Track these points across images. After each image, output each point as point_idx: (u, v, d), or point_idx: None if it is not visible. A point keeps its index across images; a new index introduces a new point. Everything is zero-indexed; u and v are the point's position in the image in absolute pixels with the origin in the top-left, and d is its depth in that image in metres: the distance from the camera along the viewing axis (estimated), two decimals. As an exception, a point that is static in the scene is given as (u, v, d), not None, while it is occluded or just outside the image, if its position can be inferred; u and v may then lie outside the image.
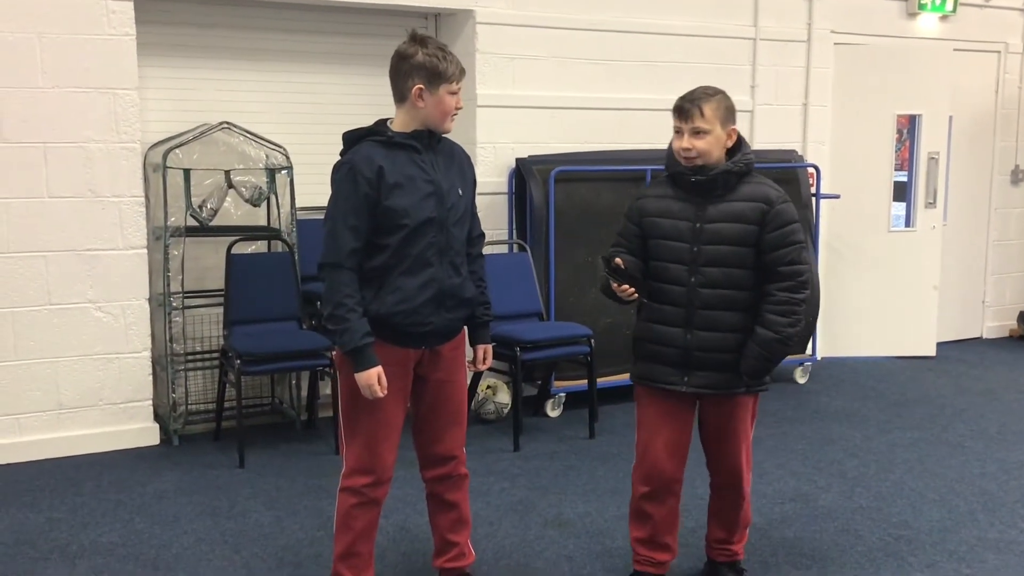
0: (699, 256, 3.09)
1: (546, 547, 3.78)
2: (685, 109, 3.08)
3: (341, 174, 2.96)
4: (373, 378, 2.93)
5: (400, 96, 3.00)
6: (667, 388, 3.18)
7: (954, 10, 7.06)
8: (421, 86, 2.95)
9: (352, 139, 3.03)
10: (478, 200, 5.77)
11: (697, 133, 3.06)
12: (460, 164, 3.14)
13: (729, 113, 3.11)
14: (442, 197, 3.00)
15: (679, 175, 3.15)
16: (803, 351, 6.45)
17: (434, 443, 3.19)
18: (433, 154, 3.04)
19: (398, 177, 2.94)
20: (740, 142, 3.15)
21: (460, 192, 3.07)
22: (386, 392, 2.96)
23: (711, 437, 3.27)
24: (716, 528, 3.42)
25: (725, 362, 3.11)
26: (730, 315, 3.09)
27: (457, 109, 3.04)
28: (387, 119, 3.06)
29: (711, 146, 3.08)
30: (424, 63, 2.93)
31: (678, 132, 3.11)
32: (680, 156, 3.11)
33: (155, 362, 5.03)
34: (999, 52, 7.48)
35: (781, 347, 3.07)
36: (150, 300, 4.95)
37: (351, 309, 2.93)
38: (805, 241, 3.12)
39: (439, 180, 3.01)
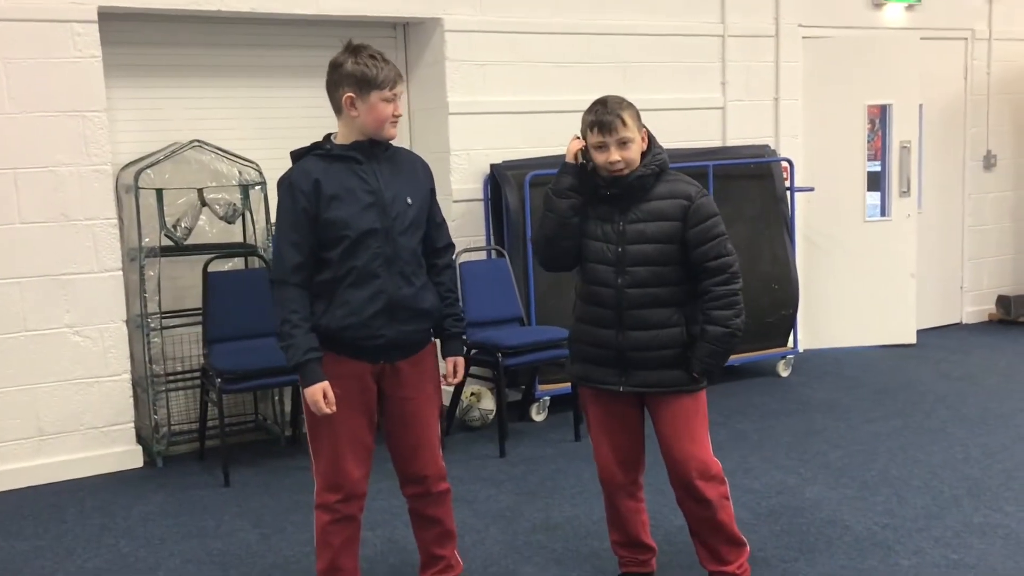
0: (624, 257, 3.06)
1: (534, 552, 3.78)
2: (607, 122, 3.01)
3: (281, 190, 2.98)
4: (318, 394, 2.91)
5: (336, 107, 3.00)
6: (605, 389, 3.17)
7: (920, -1, 7.13)
8: (351, 95, 2.93)
9: (297, 155, 3.04)
10: (454, 208, 5.77)
11: (623, 144, 3.01)
12: (412, 172, 3.10)
13: (640, 116, 3.08)
14: (384, 207, 2.97)
15: (595, 187, 3.11)
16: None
17: (405, 461, 3.17)
18: (377, 164, 3.01)
19: (336, 189, 2.93)
20: (651, 143, 3.12)
21: (409, 201, 3.03)
22: (334, 408, 2.93)
23: (659, 439, 3.18)
24: (697, 547, 3.29)
25: (659, 359, 3.08)
26: (659, 312, 3.07)
27: (396, 116, 2.99)
28: (333, 133, 3.06)
29: (636, 153, 3.05)
30: (353, 71, 2.92)
31: (602, 147, 3.03)
32: (607, 170, 3.05)
33: (135, 384, 5.00)
34: (966, 39, 7.54)
35: (731, 339, 3.05)
36: (128, 322, 4.92)
37: (296, 325, 2.92)
38: (727, 232, 3.10)
39: (382, 190, 2.98)
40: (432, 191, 3.17)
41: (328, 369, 2.95)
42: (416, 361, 3.10)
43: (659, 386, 3.12)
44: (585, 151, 3.10)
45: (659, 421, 3.18)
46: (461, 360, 3.27)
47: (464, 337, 3.33)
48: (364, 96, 2.93)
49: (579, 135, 3.13)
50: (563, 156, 5.70)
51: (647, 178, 3.07)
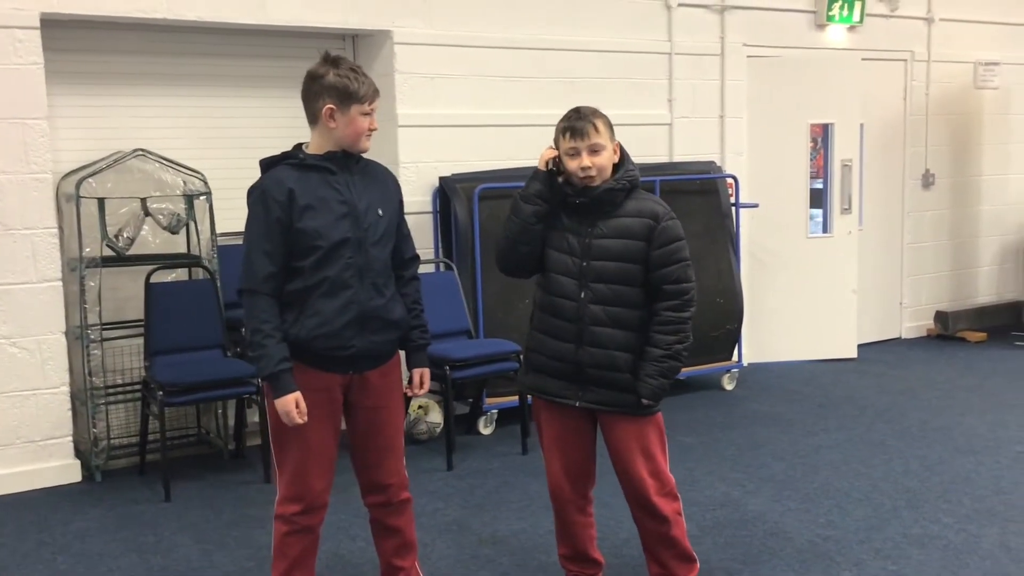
0: (588, 271, 3.07)
1: (482, 566, 3.77)
2: (579, 128, 3.02)
3: (253, 199, 2.96)
4: (291, 404, 2.90)
5: (312, 117, 3.00)
6: (560, 403, 3.16)
7: (861, 20, 7.27)
8: (332, 106, 2.93)
9: (268, 164, 3.02)
10: (402, 220, 5.65)
11: (595, 151, 3.04)
12: (382, 185, 3.12)
13: (612, 128, 3.10)
14: (358, 218, 2.98)
15: (565, 196, 3.11)
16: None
17: (370, 470, 3.17)
18: (349, 175, 3.02)
19: (310, 199, 2.92)
20: (624, 157, 3.14)
21: (380, 213, 3.05)
22: (305, 419, 2.92)
23: (613, 458, 3.19)
24: (651, 562, 3.31)
25: (616, 380, 3.08)
26: (619, 333, 3.07)
27: (371, 130, 3.01)
28: (304, 143, 3.05)
29: (607, 161, 3.07)
30: (335, 83, 2.92)
31: (574, 153, 3.04)
32: (578, 176, 3.05)
33: (74, 397, 4.90)
34: (906, 60, 7.72)
35: (672, 362, 3.06)
36: (67, 333, 4.82)
37: (268, 335, 2.90)
38: (690, 259, 3.12)
39: (354, 201, 2.99)
40: (401, 203, 3.19)
41: (297, 380, 2.93)
42: (384, 371, 3.11)
43: (614, 406, 3.11)
44: (557, 160, 3.11)
45: (613, 439, 3.17)
46: (427, 371, 3.28)
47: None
48: (345, 109, 2.94)
49: (552, 145, 3.14)
50: (512, 170, 5.79)
51: (616, 192, 3.08)
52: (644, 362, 3.06)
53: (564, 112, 3.17)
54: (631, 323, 3.08)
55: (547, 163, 3.11)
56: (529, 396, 3.34)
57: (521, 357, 5.10)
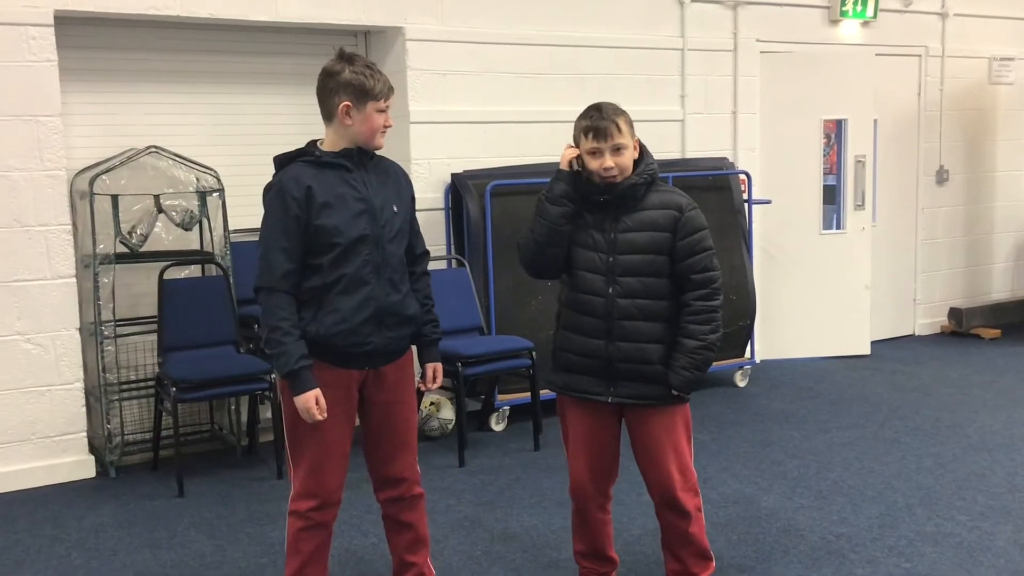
0: (615, 266, 3.07)
1: (493, 562, 3.77)
2: (602, 128, 3.01)
3: (270, 196, 2.96)
4: (311, 401, 2.91)
5: (328, 114, 3.00)
6: (591, 399, 3.16)
7: (875, 16, 7.24)
8: (348, 103, 2.94)
9: (282, 161, 3.03)
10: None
11: (617, 150, 3.03)
12: (396, 181, 3.13)
13: (632, 124, 3.10)
14: (375, 214, 2.99)
15: (588, 193, 3.11)
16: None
17: (385, 465, 3.17)
18: (365, 172, 3.03)
19: (328, 196, 2.93)
20: (643, 152, 3.13)
21: (395, 209, 3.06)
22: (325, 415, 2.93)
23: (640, 452, 3.19)
24: (669, 558, 3.30)
25: (647, 373, 3.08)
26: (650, 325, 3.07)
27: (386, 127, 3.02)
28: (318, 140, 3.06)
29: (629, 160, 3.06)
30: (351, 80, 2.93)
31: (596, 153, 3.04)
32: (600, 176, 3.05)
33: (88, 393, 4.92)
34: (920, 56, 7.68)
35: (707, 353, 3.07)
36: (81, 330, 4.85)
37: (286, 332, 2.90)
38: (714, 247, 3.13)
39: (371, 198, 2.99)
40: (413, 199, 3.20)
41: (314, 377, 2.94)
42: (399, 366, 3.13)
43: (645, 399, 3.11)
44: (579, 159, 3.10)
45: (643, 435, 3.17)
46: (440, 366, 3.29)
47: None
48: (361, 106, 2.94)
49: (571, 143, 3.13)
50: (524, 166, 5.79)
51: (639, 187, 3.08)
52: (678, 353, 3.06)
53: (576, 108, 3.16)
54: (660, 314, 3.08)
55: (570, 163, 3.10)
56: (551, 393, 3.34)
57: (533, 355, 5.16)
